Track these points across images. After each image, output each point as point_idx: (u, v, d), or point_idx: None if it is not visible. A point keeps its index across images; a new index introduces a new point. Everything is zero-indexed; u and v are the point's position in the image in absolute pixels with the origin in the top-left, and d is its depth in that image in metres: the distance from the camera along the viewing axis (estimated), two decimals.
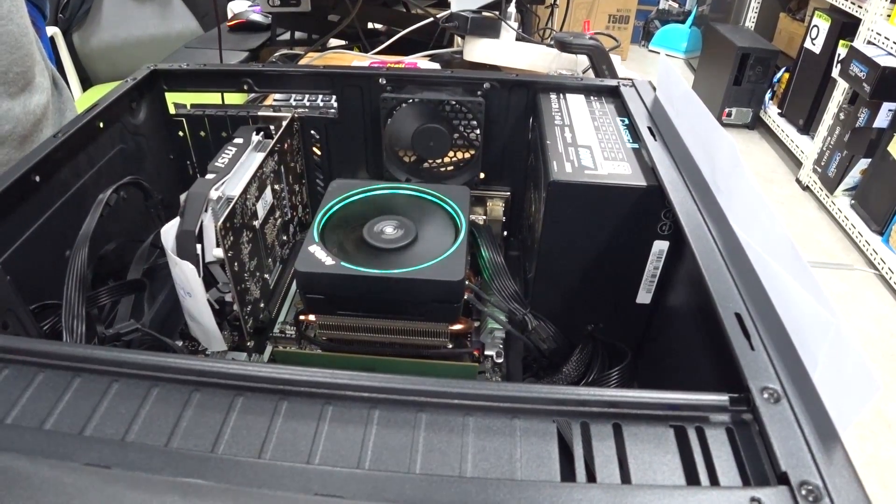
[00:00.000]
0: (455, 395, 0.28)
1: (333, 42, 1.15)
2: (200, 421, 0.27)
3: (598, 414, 0.28)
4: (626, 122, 0.53)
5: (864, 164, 1.99)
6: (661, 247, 0.47)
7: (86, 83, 1.80)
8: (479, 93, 0.58)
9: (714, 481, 0.26)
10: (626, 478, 0.26)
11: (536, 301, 0.52)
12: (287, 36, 1.20)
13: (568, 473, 0.26)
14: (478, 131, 0.60)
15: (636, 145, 0.49)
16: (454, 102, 0.59)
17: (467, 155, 0.62)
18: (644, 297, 0.50)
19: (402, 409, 0.28)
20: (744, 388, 0.28)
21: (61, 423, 0.27)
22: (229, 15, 1.35)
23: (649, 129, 0.50)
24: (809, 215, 2.17)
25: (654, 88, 0.57)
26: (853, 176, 2.03)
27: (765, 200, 0.34)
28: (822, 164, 2.17)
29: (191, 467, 0.24)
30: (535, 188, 0.54)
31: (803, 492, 0.24)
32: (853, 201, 2.02)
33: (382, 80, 0.59)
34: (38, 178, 0.45)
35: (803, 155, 2.33)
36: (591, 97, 0.57)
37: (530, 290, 0.53)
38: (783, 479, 0.25)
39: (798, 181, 2.33)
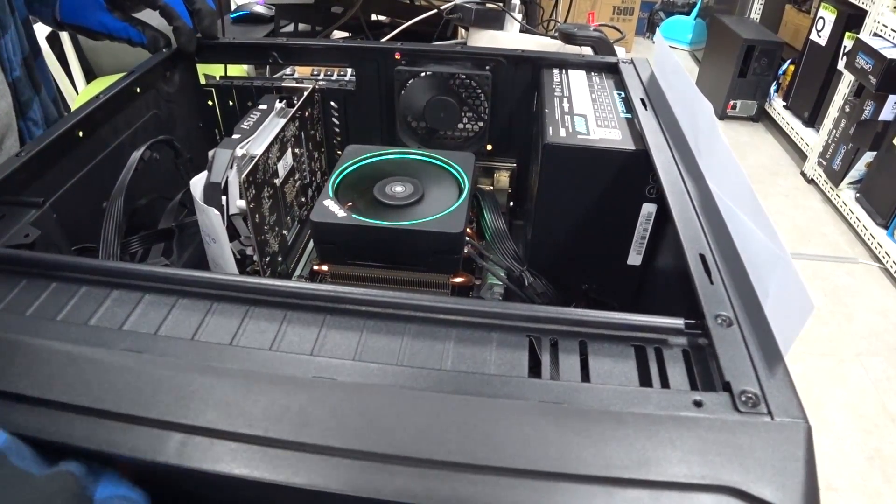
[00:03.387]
0: (440, 310, 0.32)
1: (337, 34, 1.15)
2: (221, 325, 0.32)
3: (567, 332, 0.32)
4: (623, 95, 0.56)
5: (869, 157, 1.96)
6: (649, 209, 0.50)
7: (89, 75, 1.80)
8: (487, 67, 0.62)
9: (665, 387, 0.29)
10: (586, 381, 0.29)
11: (534, 260, 0.55)
12: (290, 28, 1.21)
13: (536, 377, 0.30)
14: (486, 104, 0.63)
15: (629, 115, 0.52)
16: (463, 76, 0.62)
17: (476, 127, 0.66)
18: (634, 258, 0.53)
19: (392, 320, 0.32)
20: (700, 316, 0.32)
21: (102, 323, 0.32)
22: (232, 7, 1.36)
23: (642, 100, 0.53)
24: (814, 208, 2.15)
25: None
26: (858, 169, 2.01)
27: (733, 156, 0.37)
28: (828, 156, 2.15)
29: (211, 354, 0.28)
30: (535, 156, 0.58)
31: (743, 398, 0.27)
32: (858, 194, 2.00)
33: (397, 55, 0.63)
34: (81, 134, 0.50)
35: (808, 147, 2.30)
36: (592, 73, 0.60)
37: (528, 250, 0.57)
38: (726, 388, 0.28)
39: (803, 174, 2.31)
